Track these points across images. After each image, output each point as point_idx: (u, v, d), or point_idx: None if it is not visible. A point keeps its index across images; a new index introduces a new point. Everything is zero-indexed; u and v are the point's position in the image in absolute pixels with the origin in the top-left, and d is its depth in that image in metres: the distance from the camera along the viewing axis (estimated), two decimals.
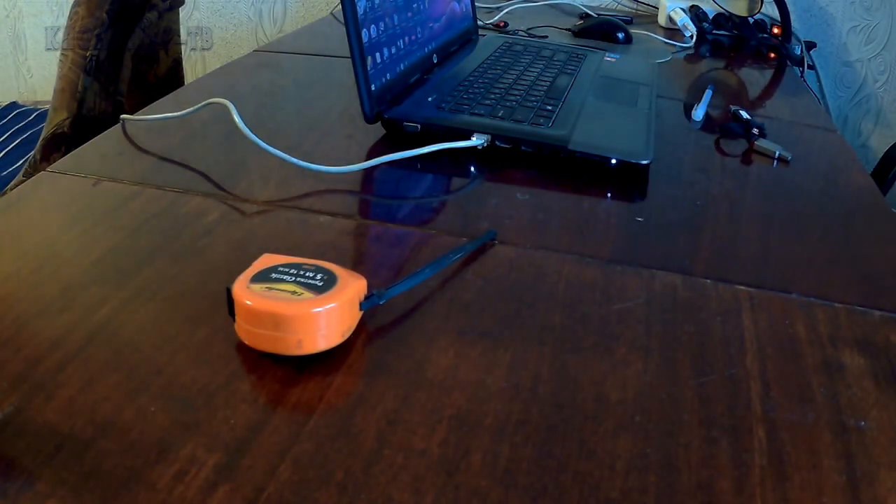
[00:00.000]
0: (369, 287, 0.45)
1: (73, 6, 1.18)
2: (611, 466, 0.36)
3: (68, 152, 0.67)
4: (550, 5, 1.50)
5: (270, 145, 0.64)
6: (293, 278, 0.42)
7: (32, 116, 1.56)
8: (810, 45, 1.41)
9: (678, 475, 0.36)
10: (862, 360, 0.45)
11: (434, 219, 0.58)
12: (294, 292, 0.41)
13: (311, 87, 0.88)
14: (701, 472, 0.36)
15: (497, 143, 0.70)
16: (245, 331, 0.41)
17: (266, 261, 0.44)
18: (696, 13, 1.29)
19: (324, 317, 0.40)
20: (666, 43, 1.25)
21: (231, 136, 0.71)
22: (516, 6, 1.47)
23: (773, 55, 1.23)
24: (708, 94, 0.92)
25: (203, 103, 0.70)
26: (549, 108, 0.76)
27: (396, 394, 0.40)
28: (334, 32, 1.16)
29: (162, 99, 0.80)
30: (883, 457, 0.38)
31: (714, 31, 1.29)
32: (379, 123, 0.72)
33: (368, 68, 0.69)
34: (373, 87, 0.70)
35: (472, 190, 0.64)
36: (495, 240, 0.56)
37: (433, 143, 0.67)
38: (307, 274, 0.42)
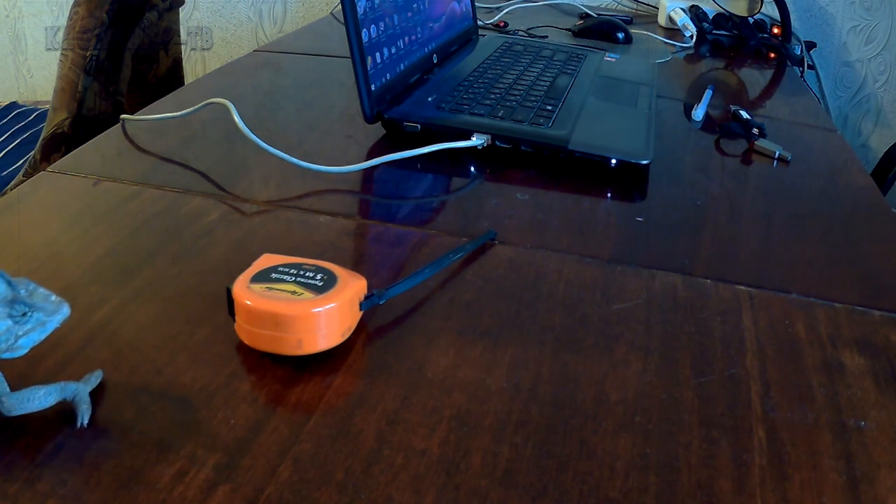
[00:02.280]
0: (369, 287, 0.45)
1: (73, 6, 1.18)
2: (611, 466, 0.36)
3: (68, 152, 0.67)
4: (550, 5, 1.50)
5: (270, 145, 0.64)
6: (293, 278, 0.42)
7: (32, 116, 1.56)
8: (810, 45, 1.41)
9: (678, 475, 0.36)
10: (862, 360, 0.45)
11: (434, 219, 0.58)
12: (294, 292, 0.41)
13: (311, 87, 0.88)
14: (701, 472, 0.36)
15: (497, 143, 0.70)
16: (245, 331, 0.41)
17: (266, 261, 0.44)
18: (696, 13, 1.29)
19: (324, 317, 0.40)
20: (666, 43, 1.25)
21: (231, 136, 0.71)
22: (516, 6, 1.47)
23: (773, 55, 1.23)
24: (708, 94, 0.92)
25: (203, 103, 0.70)
26: (549, 108, 0.76)
27: (396, 394, 0.40)
28: (334, 32, 1.16)
29: (162, 99, 0.80)
30: (883, 457, 0.38)
31: (714, 31, 1.29)
32: (379, 123, 0.72)
33: (368, 68, 0.69)
34: (373, 87, 0.70)
35: (472, 190, 0.64)
36: (495, 240, 0.56)
37: (433, 143, 0.67)
38: (307, 274, 0.42)
